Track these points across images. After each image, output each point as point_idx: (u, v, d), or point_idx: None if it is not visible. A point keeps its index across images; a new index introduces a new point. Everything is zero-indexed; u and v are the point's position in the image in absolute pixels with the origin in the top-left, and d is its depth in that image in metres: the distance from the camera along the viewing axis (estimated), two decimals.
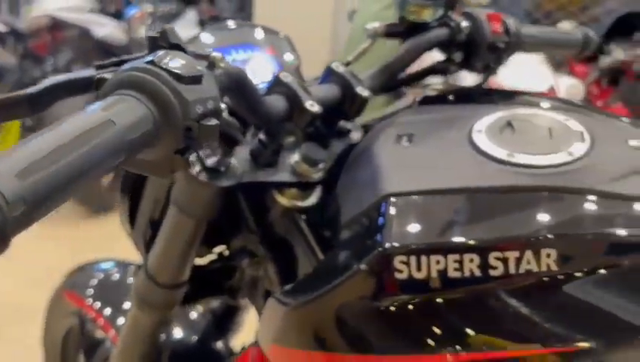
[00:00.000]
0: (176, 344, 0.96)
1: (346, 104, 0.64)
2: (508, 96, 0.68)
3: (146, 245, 0.73)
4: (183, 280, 0.70)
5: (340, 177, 0.64)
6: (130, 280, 1.00)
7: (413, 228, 0.50)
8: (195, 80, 0.39)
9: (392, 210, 0.51)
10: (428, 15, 0.70)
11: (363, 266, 0.50)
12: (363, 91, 0.63)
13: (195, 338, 0.97)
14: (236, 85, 0.48)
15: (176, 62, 0.39)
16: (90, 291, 1.04)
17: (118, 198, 0.78)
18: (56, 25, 2.82)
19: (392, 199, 0.52)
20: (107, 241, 1.58)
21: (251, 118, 0.54)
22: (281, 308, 0.55)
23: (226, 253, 0.77)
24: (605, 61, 2.76)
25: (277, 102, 0.56)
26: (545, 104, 0.64)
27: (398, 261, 0.49)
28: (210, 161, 0.59)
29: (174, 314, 0.75)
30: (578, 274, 0.47)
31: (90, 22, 2.87)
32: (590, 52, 0.79)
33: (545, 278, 0.47)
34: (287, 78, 0.58)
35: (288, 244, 0.66)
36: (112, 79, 0.39)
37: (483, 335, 0.48)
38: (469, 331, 0.48)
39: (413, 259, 0.48)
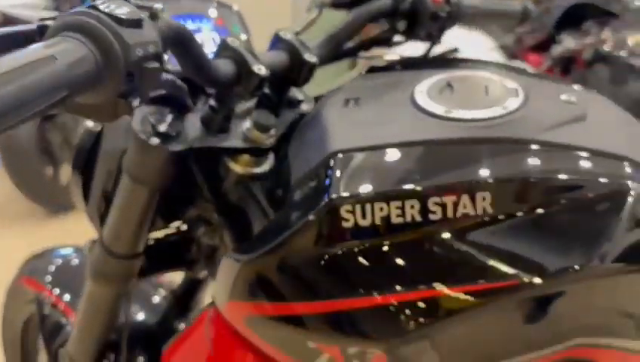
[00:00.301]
0: (136, 325, 0.96)
1: (294, 71, 0.65)
2: (450, 62, 0.71)
3: (101, 218, 0.73)
4: (139, 250, 0.71)
5: (290, 143, 0.65)
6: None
7: (358, 180, 0.53)
8: (136, 24, 0.41)
9: (338, 165, 0.54)
10: None
11: (312, 217, 0.52)
12: (311, 57, 0.65)
13: (155, 318, 0.98)
14: (180, 40, 0.49)
15: (117, 8, 0.40)
16: (49, 277, 1.03)
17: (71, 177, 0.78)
18: (7, 22, 2.76)
19: (339, 156, 0.54)
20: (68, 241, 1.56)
21: (199, 79, 0.56)
22: (235, 264, 0.56)
23: (183, 227, 0.78)
24: (557, 50, 2.86)
25: (224, 66, 0.58)
26: (483, 66, 0.67)
27: (344, 210, 0.51)
28: (162, 127, 0.60)
29: (132, 287, 0.75)
30: (512, 216, 0.50)
31: None
32: (525, 21, 0.83)
33: (481, 220, 0.50)
34: (234, 42, 0.59)
35: (243, 211, 0.67)
36: (55, 23, 0.40)
37: (425, 275, 0.50)
38: (412, 272, 0.51)
39: (358, 208, 0.51)
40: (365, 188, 0.52)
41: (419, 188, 0.50)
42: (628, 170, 0.52)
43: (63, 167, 2.63)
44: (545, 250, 0.50)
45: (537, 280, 0.49)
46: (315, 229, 0.52)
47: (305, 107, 0.69)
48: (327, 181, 0.53)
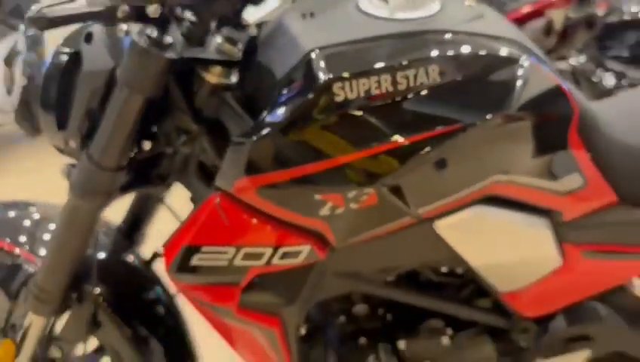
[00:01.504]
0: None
1: None
2: None
3: (82, 138, 0.79)
4: (124, 163, 0.79)
5: (256, 55, 0.78)
6: (34, 215, 1.03)
7: (341, 64, 0.69)
8: None
9: (320, 56, 0.69)
10: None
11: (311, 95, 0.66)
12: None
13: (106, 254, 1.02)
14: None
15: None
16: None
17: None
18: None
19: (316, 51, 0.70)
20: None
21: None
22: (244, 146, 0.69)
23: (147, 146, 0.86)
24: None
25: None
26: None
27: (336, 87, 0.67)
28: (159, 38, 0.70)
29: (112, 200, 0.82)
30: (452, 81, 0.70)
31: None
32: None
33: (432, 86, 0.69)
34: None
35: (218, 119, 0.79)
36: None
37: (399, 129, 0.68)
38: (390, 128, 0.68)
39: (347, 84, 0.67)
40: (348, 70, 0.68)
41: (389, 65, 0.68)
42: (516, 47, 0.75)
43: None
44: (473, 103, 0.71)
45: (473, 122, 0.70)
46: (315, 104, 0.67)
47: (252, 30, 0.82)
48: (314, 69, 0.68)
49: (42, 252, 0.98)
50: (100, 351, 1.04)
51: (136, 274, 1.03)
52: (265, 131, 0.68)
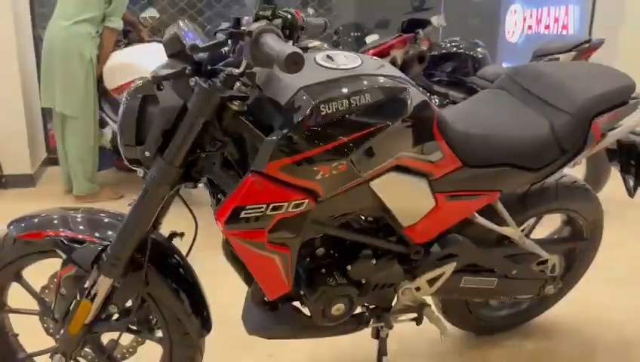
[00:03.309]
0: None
1: None
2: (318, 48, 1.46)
3: (157, 149, 1.24)
4: (183, 164, 1.26)
5: (260, 93, 1.30)
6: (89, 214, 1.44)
7: (320, 94, 1.24)
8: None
9: (307, 91, 1.24)
10: None
11: (308, 112, 1.21)
12: None
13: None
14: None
15: None
16: (47, 224, 1.39)
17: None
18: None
19: (304, 88, 1.24)
20: None
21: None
22: (271, 143, 1.20)
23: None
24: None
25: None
26: (333, 49, 1.44)
27: (321, 106, 1.22)
28: (219, 85, 1.20)
29: (172, 191, 1.29)
30: (377, 101, 1.29)
31: None
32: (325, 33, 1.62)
33: (366, 104, 1.28)
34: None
35: (238, 133, 1.29)
36: None
37: (352, 130, 1.25)
38: (347, 128, 1.25)
39: (327, 105, 1.22)
40: (325, 96, 1.23)
41: (345, 93, 1.25)
42: (403, 80, 1.37)
43: None
44: (387, 113, 1.30)
45: (388, 124, 1.29)
46: (311, 117, 1.21)
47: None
48: (306, 98, 1.23)
49: (102, 235, 1.38)
50: (141, 303, 1.45)
51: (164, 247, 1.46)
52: (282, 135, 1.21)
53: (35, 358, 1.64)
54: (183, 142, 1.24)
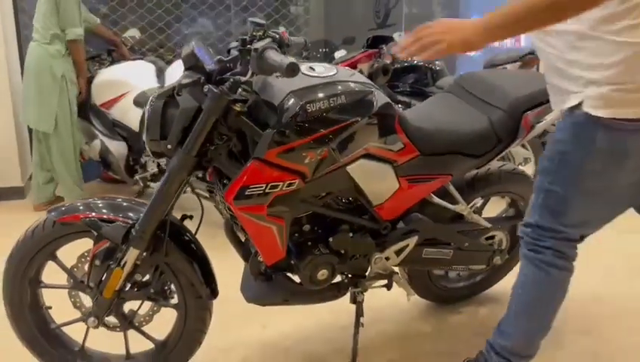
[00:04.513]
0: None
1: None
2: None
3: (178, 142, 1.56)
4: (199, 153, 1.58)
5: (257, 96, 1.63)
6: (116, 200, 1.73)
7: (306, 96, 1.57)
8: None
9: (295, 94, 1.57)
10: None
11: (297, 109, 1.54)
12: None
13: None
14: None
15: None
16: (81, 208, 1.69)
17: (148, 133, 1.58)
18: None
19: (292, 92, 1.58)
20: None
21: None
22: (269, 135, 1.53)
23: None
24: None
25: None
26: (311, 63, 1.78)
27: (308, 105, 1.56)
28: (228, 90, 1.53)
29: (190, 176, 1.60)
30: (350, 101, 1.63)
31: None
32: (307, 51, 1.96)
33: (342, 103, 1.62)
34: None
35: (240, 129, 1.61)
36: None
37: (330, 123, 1.59)
38: (327, 122, 1.59)
39: (313, 104, 1.56)
40: (311, 97, 1.57)
41: (326, 95, 1.59)
42: (371, 85, 1.72)
43: None
44: (358, 111, 1.65)
45: (358, 119, 1.64)
46: (299, 114, 1.55)
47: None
48: (294, 100, 1.56)
49: (129, 215, 1.68)
50: (159, 276, 1.76)
51: (178, 226, 1.77)
52: (277, 129, 1.53)
53: (62, 328, 1.92)
54: (199, 136, 1.55)
